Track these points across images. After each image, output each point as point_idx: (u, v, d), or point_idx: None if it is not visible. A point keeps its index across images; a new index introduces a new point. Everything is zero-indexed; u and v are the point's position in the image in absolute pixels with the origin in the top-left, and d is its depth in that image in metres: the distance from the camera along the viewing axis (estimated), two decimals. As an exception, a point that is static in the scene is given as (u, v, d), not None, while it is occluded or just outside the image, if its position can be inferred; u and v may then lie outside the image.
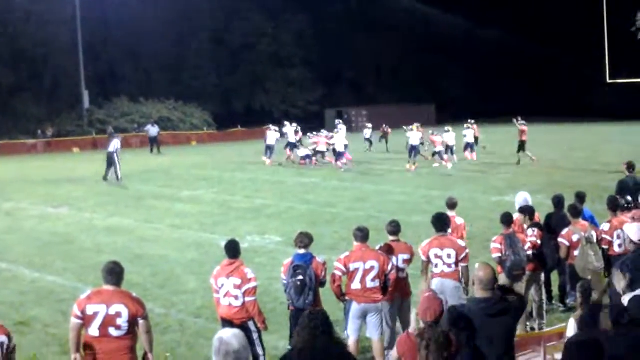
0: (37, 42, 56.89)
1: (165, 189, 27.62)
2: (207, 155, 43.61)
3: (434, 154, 33.51)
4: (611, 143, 40.42)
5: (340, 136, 33.80)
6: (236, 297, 8.32)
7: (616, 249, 10.73)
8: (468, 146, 34.69)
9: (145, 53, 64.36)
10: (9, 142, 52.38)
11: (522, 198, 11.87)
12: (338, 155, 32.74)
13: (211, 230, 18.91)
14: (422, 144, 33.33)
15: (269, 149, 35.88)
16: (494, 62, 77.90)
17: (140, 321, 7.25)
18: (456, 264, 9.34)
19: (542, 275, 10.85)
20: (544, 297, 10.77)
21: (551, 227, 11.40)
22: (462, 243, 9.63)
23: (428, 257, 9.44)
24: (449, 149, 33.17)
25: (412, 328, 8.93)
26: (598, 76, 48.83)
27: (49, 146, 52.85)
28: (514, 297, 6.31)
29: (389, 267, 9.03)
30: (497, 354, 6.00)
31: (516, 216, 11.04)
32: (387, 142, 43.08)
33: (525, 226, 10.85)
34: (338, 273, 9.02)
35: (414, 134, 32.42)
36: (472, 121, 36.98)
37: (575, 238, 10.52)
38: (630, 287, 7.00)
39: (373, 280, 8.94)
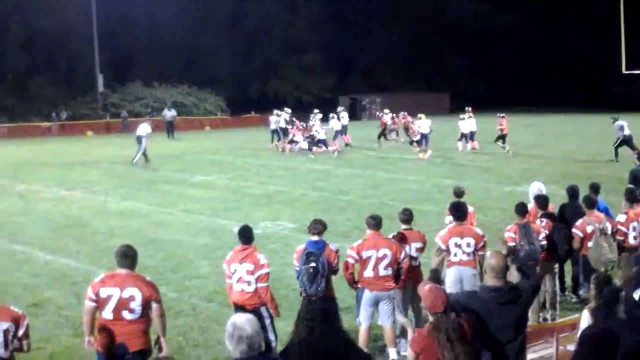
0: (53, 26, 56.91)
1: (179, 174, 27.69)
2: (220, 141, 43.64)
3: (411, 142, 34.01)
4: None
5: (318, 126, 34.64)
6: (249, 283, 8.34)
7: (631, 240, 10.69)
8: (462, 136, 34.29)
9: (160, 38, 64.31)
10: (24, 124, 52.64)
11: (536, 188, 11.84)
12: (321, 142, 33.77)
13: (224, 215, 18.94)
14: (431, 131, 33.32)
15: (275, 133, 36.78)
16: (510, 51, 77.28)
17: (154, 305, 7.27)
18: (474, 252, 9.35)
19: (556, 266, 10.81)
20: (557, 287, 10.74)
21: (565, 217, 11.35)
22: (480, 232, 9.64)
23: (447, 246, 9.43)
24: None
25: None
26: (614, 67, 48.39)
27: (63, 129, 53.06)
28: (527, 282, 6.28)
29: (402, 255, 9.03)
30: (507, 341, 5.99)
31: (531, 206, 10.99)
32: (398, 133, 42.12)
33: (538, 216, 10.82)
34: (351, 260, 9.03)
35: (424, 123, 32.43)
36: (469, 109, 36.74)
37: (589, 229, 10.48)
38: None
39: (385, 268, 8.93)
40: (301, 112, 40.69)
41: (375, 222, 9.10)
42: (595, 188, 12.11)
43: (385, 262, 8.91)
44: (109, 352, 7.16)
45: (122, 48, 63.22)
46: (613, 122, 30.14)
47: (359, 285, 9.11)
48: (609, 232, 10.46)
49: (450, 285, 9.11)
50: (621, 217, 10.90)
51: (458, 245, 9.40)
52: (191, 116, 59.56)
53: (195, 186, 24.48)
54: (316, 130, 34.18)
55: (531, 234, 9.85)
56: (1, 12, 56.34)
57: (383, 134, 38.06)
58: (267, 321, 8.37)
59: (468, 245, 9.38)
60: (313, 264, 8.48)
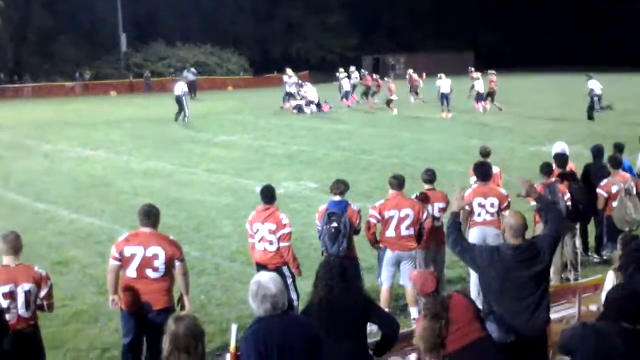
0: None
1: (202, 134, 27.73)
2: (243, 101, 43.59)
3: (388, 102, 34.08)
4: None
5: (310, 89, 35.29)
6: (271, 243, 8.36)
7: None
8: (480, 96, 33.72)
9: (183, -3, 64.06)
10: (48, 84, 52.89)
11: (560, 148, 11.71)
12: (311, 103, 34.67)
13: (247, 175, 18.98)
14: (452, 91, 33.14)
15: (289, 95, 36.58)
16: (535, 9, 76.09)
17: (177, 263, 7.31)
18: (498, 212, 9.31)
19: (577, 226, 10.70)
20: (579, 248, 10.65)
21: (590, 178, 11.25)
22: (504, 192, 9.60)
23: (471, 207, 9.39)
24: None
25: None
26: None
27: (86, 89, 53.26)
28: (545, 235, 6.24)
29: (424, 216, 9.01)
30: (525, 297, 5.99)
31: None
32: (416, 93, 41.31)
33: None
34: (373, 221, 9.02)
35: (444, 82, 32.17)
36: (473, 69, 36.51)
37: (614, 189, 10.39)
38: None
39: (408, 228, 8.92)
40: (325, 71, 40.37)
41: (398, 182, 9.07)
42: (619, 148, 11.97)
43: (407, 222, 8.89)
44: (133, 310, 7.24)
45: (145, 8, 62.97)
46: (588, 80, 30.26)
47: (381, 246, 9.11)
48: (634, 192, 10.35)
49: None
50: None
51: (482, 206, 9.38)
52: (214, 76, 59.43)
53: (218, 146, 24.52)
54: (305, 92, 34.95)
55: (557, 193, 9.78)
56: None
57: (366, 93, 38.29)
58: (290, 281, 8.39)
59: (492, 205, 9.35)
60: (335, 224, 8.48)
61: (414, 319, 8.71)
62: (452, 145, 23.17)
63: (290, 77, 36.87)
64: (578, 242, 10.59)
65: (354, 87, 37.21)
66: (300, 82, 37.51)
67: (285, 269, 8.40)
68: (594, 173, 11.27)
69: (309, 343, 4.95)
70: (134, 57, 60.18)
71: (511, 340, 5.88)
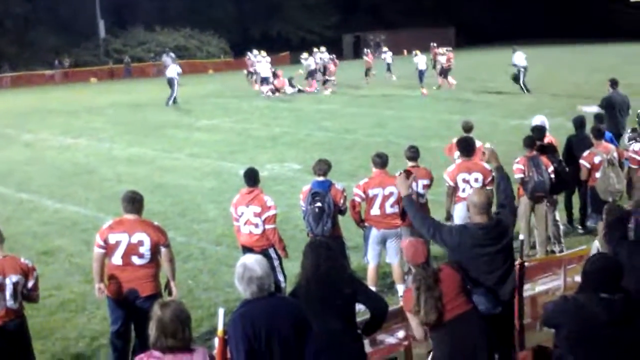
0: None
1: (183, 118, 27.63)
2: (224, 84, 43.42)
3: (324, 82, 34.73)
4: (634, 65, 39.56)
5: (262, 65, 34.69)
6: (256, 225, 8.34)
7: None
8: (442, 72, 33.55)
9: (161, -20, 63.50)
10: (27, 73, 52.47)
11: (539, 120, 11.73)
12: (264, 80, 34.32)
13: (230, 158, 18.94)
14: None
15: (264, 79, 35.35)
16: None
17: (163, 249, 7.29)
18: (483, 187, 9.32)
19: (556, 198, 10.69)
20: (559, 220, 10.67)
21: (572, 149, 11.29)
22: (488, 166, 9.57)
23: (455, 182, 9.42)
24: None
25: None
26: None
27: (66, 77, 52.91)
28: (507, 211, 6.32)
29: (409, 193, 9.00)
30: (494, 272, 6.04)
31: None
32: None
33: None
34: (357, 199, 9.03)
35: (421, 59, 32.29)
36: (435, 44, 37.67)
37: (597, 160, 10.43)
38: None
39: (392, 206, 8.93)
40: (304, 51, 39.96)
41: (382, 160, 9.06)
42: (599, 118, 12.02)
43: (391, 199, 8.90)
44: (119, 297, 7.22)
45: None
46: (513, 52, 30.60)
47: (366, 224, 9.12)
48: (617, 162, 10.40)
49: (458, 221, 9.10)
50: (636, 146, 10.84)
51: (466, 181, 9.39)
52: (194, 59, 59.08)
53: (201, 130, 24.44)
54: (254, 69, 35.37)
55: (540, 166, 9.81)
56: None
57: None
58: (276, 262, 8.39)
59: (476, 180, 9.37)
60: (319, 204, 8.48)
61: (401, 296, 8.75)
62: (434, 122, 23.21)
63: (264, 57, 35.87)
64: (557, 215, 10.62)
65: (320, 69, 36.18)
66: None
67: (271, 250, 8.39)
68: (576, 144, 11.29)
69: (297, 324, 4.95)
70: (113, 43, 59.72)
71: (499, 311, 5.94)
